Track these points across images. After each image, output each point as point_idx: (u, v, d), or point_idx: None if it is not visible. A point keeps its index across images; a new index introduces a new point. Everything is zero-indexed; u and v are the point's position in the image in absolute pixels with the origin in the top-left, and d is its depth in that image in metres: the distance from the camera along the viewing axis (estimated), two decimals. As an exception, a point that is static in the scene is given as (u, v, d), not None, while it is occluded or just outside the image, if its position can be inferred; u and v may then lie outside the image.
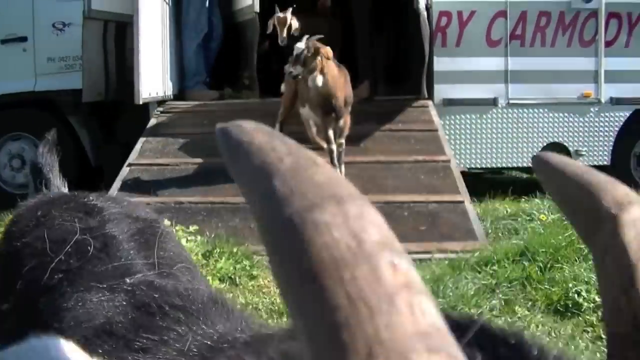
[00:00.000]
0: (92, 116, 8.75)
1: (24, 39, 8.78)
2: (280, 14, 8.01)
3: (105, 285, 1.55)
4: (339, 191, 0.51)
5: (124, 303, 1.49)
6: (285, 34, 7.96)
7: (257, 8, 8.35)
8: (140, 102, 7.51)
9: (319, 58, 6.33)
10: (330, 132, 6.56)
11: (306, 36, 6.54)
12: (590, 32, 8.37)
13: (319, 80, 6.40)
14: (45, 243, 1.69)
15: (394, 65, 9.26)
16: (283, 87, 7.50)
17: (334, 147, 6.58)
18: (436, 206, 6.29)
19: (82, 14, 7.91)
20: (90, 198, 1.93)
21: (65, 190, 2.38)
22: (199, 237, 5.69)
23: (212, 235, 5.74)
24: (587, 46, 8.41)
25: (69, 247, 1.65)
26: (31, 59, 8.76)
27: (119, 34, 8.52)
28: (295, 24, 8.09)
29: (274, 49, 9.06)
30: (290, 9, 8.09)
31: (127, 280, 1.55)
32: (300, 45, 6.39)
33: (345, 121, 6.65)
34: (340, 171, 6.65)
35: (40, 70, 8.75)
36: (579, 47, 8.39)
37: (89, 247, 1.65)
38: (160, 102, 8.34)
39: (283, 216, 0.50)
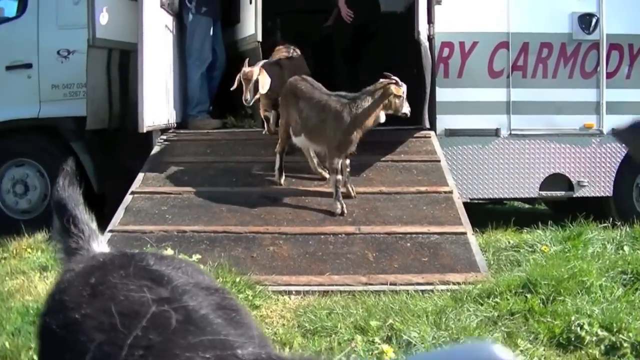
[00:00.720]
0: (95, 143, 8.78)
1: (28, 66, 8.84)
2: (247, 68, 7.47)
3: (210, 356, 1.45)
4: None
5: None
6: (251, 92, 7.36)
7: (259, 37, 8.38)
8: (144, 130, 7.55)
9: None
10: (340, 162, 6.65)
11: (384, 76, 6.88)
12: (591, 64, 8.43)
13: (383, 116, 6.88)
14: (114, 317, 1.57)
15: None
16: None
17: (341, 177, 6.65)
18: (438, 237, 6.29)
19: (87, 42, 7.95)
20: (150, 262, 1.82)
21: (94, 225, 2.27)
22: (201, 267, 5.68)
23: (215, 265, 5.73)
24: (589, 77, 8.45)
25: (145, 321, 1.54)
26: (35, 85, 8.82)
27: (123, 62, 8.57)
28: (264, 80, 7.43)
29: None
30: (260, 63, 7.68)
31: (239, 352, 1.47)
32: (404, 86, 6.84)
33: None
34: (352, 189, 6.97)
35: (45, 97, 8.81)
36: (581, 79, 8.44)
37: (170, 320, 1.55)
38: (164, 130, 8.37)
39: None
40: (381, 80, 6.82)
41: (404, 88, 6.79)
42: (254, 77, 7.37)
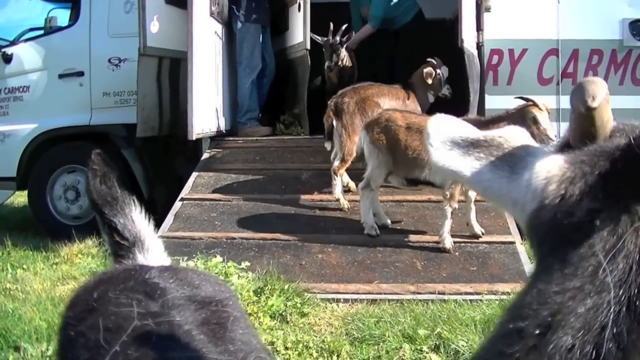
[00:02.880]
0: (145, 150, 8.87)
1: (80, 74, 8.98)
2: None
3: None
4: None
5: None
6: None
7: (308, 45, 8.41)
8: (194, 138, 7.62)
9: None
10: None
11: None
12: (642, 71, 8.32)
13: None
14: (99, 333, 1.55)
15: (446, 103, 9.25)
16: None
17: None
18: (487, 247, 6.26)
19: (138, 50, 8.05)
20: (152, 274, 1.76)
21: (142, 230, 2.07)
22: (250, 274, 5.72)
23: (264, 272, 5.78)
24: (640, 85, 8.34)
25: (125, 336, 1.52)
26: (87, 93, 8.95)
27: (173, 70, 8.65)
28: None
29: (324, 86, 9.14)
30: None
31: None
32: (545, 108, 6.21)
33: None
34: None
35: (96, 105, 8.93)
36: (632, 86, 8.32)
37: (151, 335, 1.53)
38: (213, 138, 8.43)
39: None
40: (524, 102, 6.28)
41: (545, 111, 6.14)
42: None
